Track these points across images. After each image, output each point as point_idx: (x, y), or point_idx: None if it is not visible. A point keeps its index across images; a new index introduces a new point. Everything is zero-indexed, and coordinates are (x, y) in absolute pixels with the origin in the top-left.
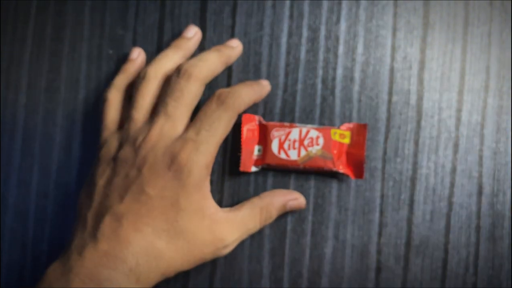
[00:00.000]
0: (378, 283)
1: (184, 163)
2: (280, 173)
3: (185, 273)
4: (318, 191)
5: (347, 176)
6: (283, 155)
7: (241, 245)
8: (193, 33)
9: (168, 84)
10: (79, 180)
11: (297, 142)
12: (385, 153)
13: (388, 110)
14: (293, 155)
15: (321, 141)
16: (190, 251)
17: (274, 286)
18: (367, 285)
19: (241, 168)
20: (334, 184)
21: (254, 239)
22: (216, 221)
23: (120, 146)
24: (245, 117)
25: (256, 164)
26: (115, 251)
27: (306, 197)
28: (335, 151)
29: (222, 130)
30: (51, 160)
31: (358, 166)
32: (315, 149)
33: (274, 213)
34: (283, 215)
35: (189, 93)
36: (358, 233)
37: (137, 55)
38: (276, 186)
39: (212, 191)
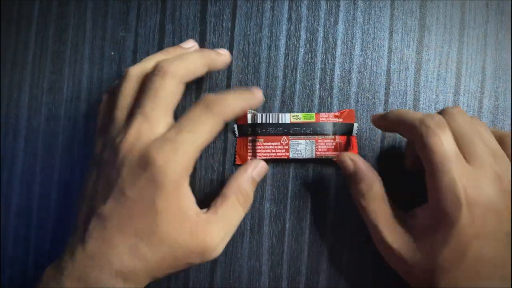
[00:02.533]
0: (376, 280)
1: (160, 163)
2: (278, 173)
3: (185, 270)
4: (316, 190)
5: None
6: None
7: (241, 242)
8: (190, 45)
9: (145, 82)
10: (81, 180)
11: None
12: (382, 152)
13: (385, 111)
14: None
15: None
16: (174, 257)
17: (273, 283)
18: (365, 283)
19: (237, 162)
20: (332, 183)
21: (254, 237)
22: (197, 224)
23: (103, 147)
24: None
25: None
26: (101, 252)
27: (305, 196)
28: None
29: (205, 134)
30: (54, 160)
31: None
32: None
33: (249, 192)
34: (282, 214)
35: (164, 91)
36: (356, 231)
37: None
38: (274, 185)
39: (211, 190)
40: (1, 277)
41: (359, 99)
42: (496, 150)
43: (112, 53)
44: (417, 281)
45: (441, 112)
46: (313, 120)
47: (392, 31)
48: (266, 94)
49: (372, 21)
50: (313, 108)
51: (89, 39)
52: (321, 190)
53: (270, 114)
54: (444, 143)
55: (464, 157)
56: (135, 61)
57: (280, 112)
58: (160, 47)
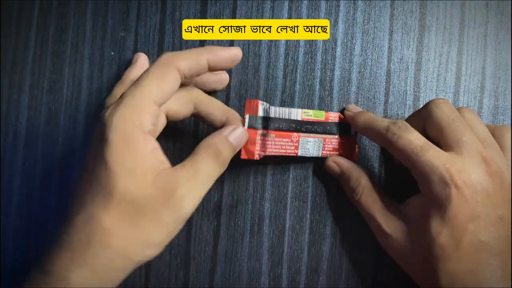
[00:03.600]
0: (376, 280)
1: (106, 119)
2: (278, 173)
3: (186, 270)
4: (316, 190)
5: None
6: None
7: (241, 242)
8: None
9: None
10: None
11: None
12: (382, 153)
13: (385, 111)
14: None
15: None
16: (137, 214)
17: (273, 283)
18: (365, 283)
19: (242, 156)
20: (332, 183)
21: (254, 237)
22: (160, 173)
23: None
24: (247, 102)
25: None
26: (62, 232)
27: (305, 195)
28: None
29: (152, 84)
30: (54, 160)
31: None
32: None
33: (222, 150)
34: (282, 214)
35: (153, 73)
36: (356, 231)
37: (136, 58)
38: (274, 185)
39: (211, 190)
40: (1, 277)
41: (359, 99)
42: (486, 138)
43: (112, 53)
44: (417, 273)
45: (429, 103)
46: (323, 118)
47: (392, 31)
48: (266, 94)
49: (372, 21)
50: (313, 108)
51: (89, 39)
52: (321, 190)
53: (283, 108)
54: (412, 140)
55: (450, 144)
56: None
57: (291, 107)
58: (160, 47)
